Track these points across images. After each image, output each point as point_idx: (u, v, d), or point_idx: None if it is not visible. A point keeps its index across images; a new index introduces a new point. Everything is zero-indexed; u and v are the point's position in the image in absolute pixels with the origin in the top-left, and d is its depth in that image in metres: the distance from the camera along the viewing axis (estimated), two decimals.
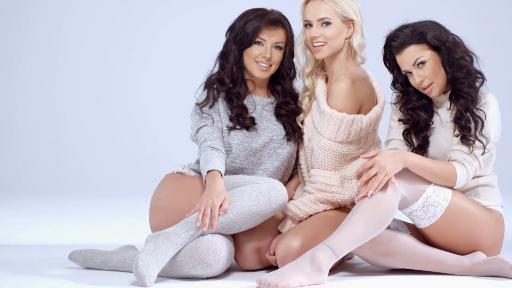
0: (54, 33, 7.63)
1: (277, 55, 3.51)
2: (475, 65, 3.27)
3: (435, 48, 3.23)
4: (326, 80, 3.56)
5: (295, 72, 3.59)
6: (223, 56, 3.54)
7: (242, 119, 3.49)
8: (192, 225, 3.17)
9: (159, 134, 7.48)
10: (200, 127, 3.47)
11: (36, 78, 7.63)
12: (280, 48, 3.51)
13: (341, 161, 3.42)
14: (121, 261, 3.36)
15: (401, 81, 3.35)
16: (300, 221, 3.40)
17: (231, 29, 3.54)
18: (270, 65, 3.50)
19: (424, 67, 3.24)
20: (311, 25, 3.44)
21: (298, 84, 3.63)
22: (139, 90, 7.63)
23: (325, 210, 3.40)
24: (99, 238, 4.43)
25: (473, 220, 3.19)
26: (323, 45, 3.43)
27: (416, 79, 3.25)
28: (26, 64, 7.65)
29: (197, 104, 3.50)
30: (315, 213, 3.38)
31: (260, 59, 3.49)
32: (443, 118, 3.33)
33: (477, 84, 3.26)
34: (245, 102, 3.54)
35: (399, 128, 3.38)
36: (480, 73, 3.27)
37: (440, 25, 3.27)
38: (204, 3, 7.62)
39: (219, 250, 3.15)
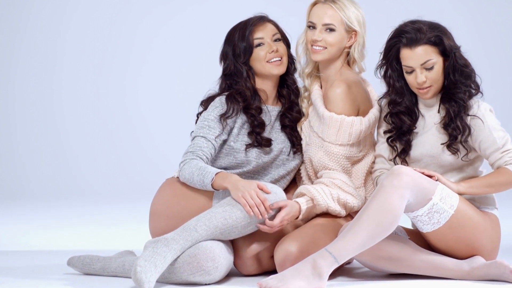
0: (52, 35, 7.63)
1: (281, 46, 3.51)
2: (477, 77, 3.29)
3: (443, 53, 3.23)
4: (321, 86, 3.57)
5: (295, 66, 3.60)
6: (230, 76, 3.50)
7: (260, 138, 3.47)
8: (191, 231, 3.16)
9: (158, 138, 7.47)
10: (197, 136, 3.43)
11: (34, 83, 7.62)
12: (279, 39, 3.52)
13: (345, 164, 3.42)
14: (119, 267, 3.36)
15: (391, 73, 3.33)
16: (306, 219, 3.37)
17: (225, 54, 3.52)
18: (281, 57, 3.50)
19: (431, 70, 3.23)
20: (314, 28, 3.45)
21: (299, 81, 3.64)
22: (137, 93, 7.62)
23: (337, 216, 3.40)
24: (98, 243, 4.42)
25: (475, 226, 3.18)
26: (322, 49, 3.44)
27: (420, 78, 3.23)
28: (24, 68, 7.64)
29: (220, 115, 3.42)
30: (330, 209, 3.34)
31: (269, 56, 3.47)
32: (429, 121, 3.33)
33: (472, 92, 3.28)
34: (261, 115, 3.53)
35: (385, 143, 3.40)
36: (478, 86, 3.28)
37: (448, 30, 3.28)
38: (201, 4, 7.62)
39: (218, 258, 3.15)
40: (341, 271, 3.44)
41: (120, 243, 4.25)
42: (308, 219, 3.43)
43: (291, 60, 3.57)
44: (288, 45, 3.57)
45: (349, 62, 3.52)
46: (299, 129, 3.58)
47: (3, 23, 7.61)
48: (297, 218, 3.33)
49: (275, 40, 3.50)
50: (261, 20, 3.50)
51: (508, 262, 3.13)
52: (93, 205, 6.50)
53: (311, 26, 3.46)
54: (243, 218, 3.20)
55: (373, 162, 3.51)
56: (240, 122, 3.47)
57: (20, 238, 4.72)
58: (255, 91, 3.51)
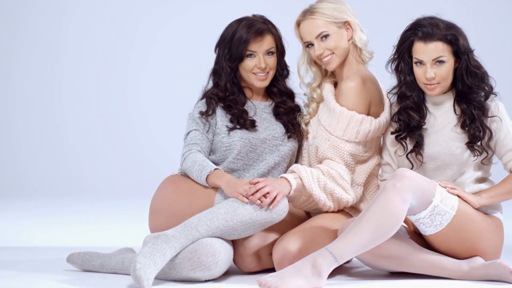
0: (53, 36, 7.63)
1: (271, 61, 3.54)
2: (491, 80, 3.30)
3: (456, 54, 3.23)
4: (335, 85, 3.57)
5: (288, 71, 3.62)
6: (216, 73, 3.57)
7: (243, 120, 3.51)
8: (192, 229, 3.17)
9: (158, 136, 7.48)
10: (192, 130, 3.50)
11: (36, 81, 7.64)
12: (272, 53, 3.54)
13: (349, 160, 3.41)
14: (119, 264, 3.36)
15: (403, 66, 3.33)
16: (294, 197, 3.36)
17: (219, 45, 3.56)
18: (268, 72, 3.52)
19: (441, 67, 3.24)
20: (312, 44, 3.47)
21: (292, 82, 3.65)
22: (138, 93, 7.64)
23: (320, 211, 3.40)
24: (98, 240, 4.42)
25: (477, 229, 3.18)
26: (331, 56, 3.44)
27: (429, 73, 3.23)
28: (25, 67, 7.65)
29: (200, 112, 3.51)
30: (315, 195, 3.32)
31: (256, 70, 3.51)
32: (440, 120, 3.33)
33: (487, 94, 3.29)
34: (245, 107, 3.56)
35: (392, 147, 3.41)
36: (492, 87, 3.28)
37: (464, 33, 3.28)
38: (202, 4, 7.62)
39: (218, 253, 3.15)
40: (340, 270, 3.43)
41: (120, 240, 4.26)
42: (301, 205, 3.42)
43: (281, 69, 3.59)
44: (282, 54, 3.59)
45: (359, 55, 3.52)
46: (303, 125, 3.58)
47: (3, 23, 7.62)
48: (289, 193, 3.30)
49: (268, 54, 3.52)
50: (260, 34, 3.50)
51: (507, 263, 3.12)
52: (93, 202, 6.51)
53: (308, 44, 3.49)
54: (243, 222, 3.21)
55: (378, 165, 3.50)
56: (219, 112, 3.52)
57: (20, 234, 4.72)
58: (239, 89, 3.55)
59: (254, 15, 3.57)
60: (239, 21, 3.54)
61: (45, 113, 7.61)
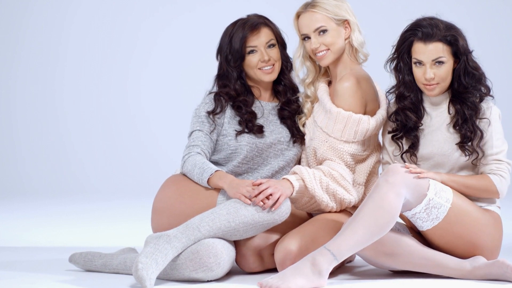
0: (54, 34, 7.63)
1: (274, 52, 3.53)
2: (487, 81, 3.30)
3: (455, 54, 3.24)
4: (329, 84, 3.57)
5: (291, 63, 3.62)
6: (222, 77, 3.55)
7: (251, 125, 3.50)
8: (193, 230, 3.17)
9: (160, 136, 7.48)
10: (195, 130, 3.48)
11: (37, 80, 7.64)
12: (273, 45, 3.54)
13: (349, 160, 3.41)
14: (121, 264, 3.36)
15: (402, 66, 3.33)
16: (297, 197, 3.36)
17: (220, 50, 3.56)
18: (273, 64, 3.52)
19: (440, 67, 3.24)
20: (309, 37, 3.46)
21: (294, 77, 3.64)
22: (140, 92, 7.64)
23: (322, 211, 3.40)
24: (100, 240, 4.42)
25: (474, 222, 3.19)
26: (325, 52, 3.44)
27: (428, 74, 3.24)
28: (26, 66, 7.65)
29: (207, 112, 3.50)
30: (317, 196, 3.32)
31: (261, 64, 3.51)
32: (436, 120, 3.34)
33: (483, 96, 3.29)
34: (253, 108, 3.56)
35: (390, 146, 3.41)
36: (489, 89, 3.28)
37: (463, 34, 3.28)
38: (204, 4, 7.62)
39: (220, 253, 3.15)
40: (342, 269, 3.44)
41: (122, 240, 4.25)
42: (303, 206, 3.42)
43: (285, 62, 3.59)
44: (283, 46, 3.58)
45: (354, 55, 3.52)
46: (301, 126, 3.58)
47: (4, 23, 7.62)
48: (291, 194, 3.30)
49: (269, 46, 3.52)
50: (256, 28, 3.51)
51: (510, 262, 3.12)
52: (94, 202, 6.51)
53: (305, 37, 3.48)
54: (245, 223, 3.21)
55: (377, 162, 3.50)
56: (229, 113, 3.51)
57: (21, 234, 4.72)
58: (247, 89, 3.55)
59: (248, 15, 3.58)
60: (234, 23, 3.55)
61: (45, 113, 7.60)
